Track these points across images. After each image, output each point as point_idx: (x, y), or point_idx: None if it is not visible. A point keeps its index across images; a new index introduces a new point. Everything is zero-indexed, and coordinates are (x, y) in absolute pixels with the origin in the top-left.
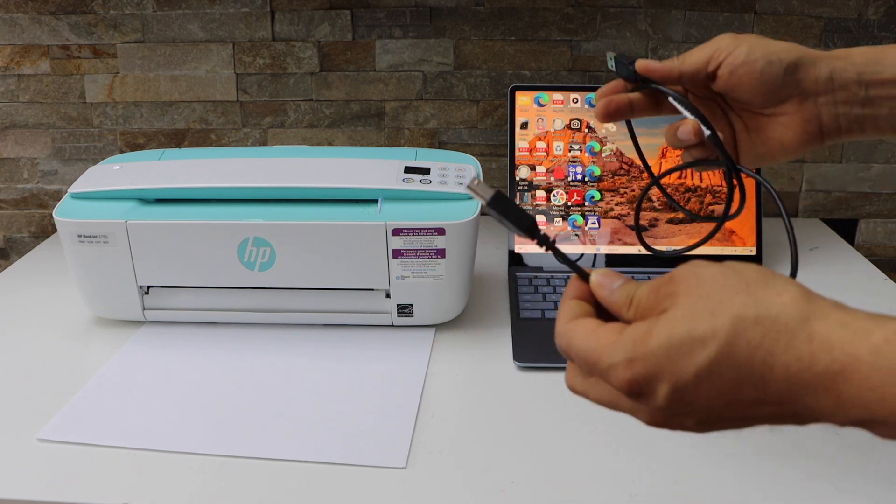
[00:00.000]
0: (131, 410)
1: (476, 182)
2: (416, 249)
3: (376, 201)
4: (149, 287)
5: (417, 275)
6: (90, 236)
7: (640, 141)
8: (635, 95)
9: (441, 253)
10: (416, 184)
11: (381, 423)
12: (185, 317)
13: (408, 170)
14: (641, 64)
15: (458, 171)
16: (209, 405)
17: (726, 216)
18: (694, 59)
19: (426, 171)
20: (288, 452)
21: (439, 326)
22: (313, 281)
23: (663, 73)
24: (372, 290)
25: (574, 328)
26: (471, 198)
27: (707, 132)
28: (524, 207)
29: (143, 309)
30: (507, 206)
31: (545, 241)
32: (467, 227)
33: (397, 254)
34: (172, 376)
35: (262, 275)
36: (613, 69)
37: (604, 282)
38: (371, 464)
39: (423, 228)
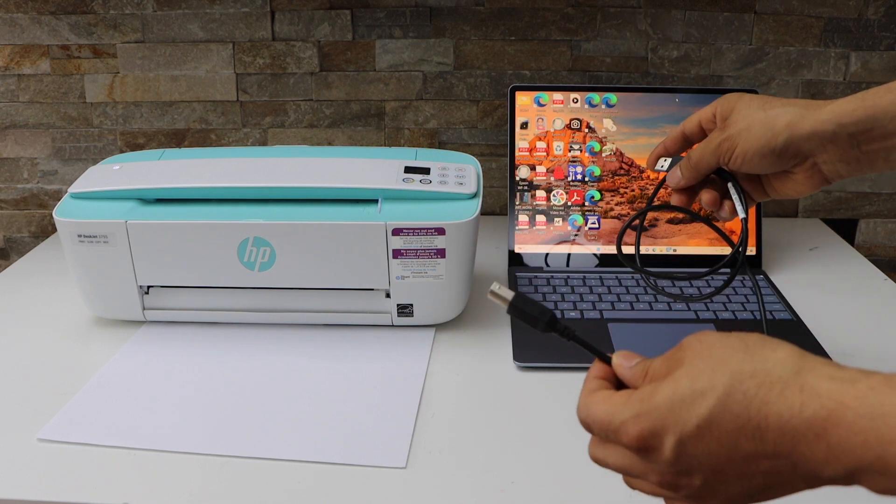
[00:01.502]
0: (131, 410)
1: (498, 287)
2: (416, 249)
3: (376, 201)
4: (149, 287)
5: (417, 275)
6: (90, 236)
7: (640, 141)
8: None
9: (441, 253)
10: (416, 184)
11: (381, 423)
12: (185, 317)
13: (408, 170)
14: (650, 167)
15: (458, 170)
16: (209, 405)
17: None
18: (697, 157)
19: (426, 171)
20: (288, 452)
21: (439, 326)
22: (313, 281)
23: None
24: (372, 290)
25: (592, 398)
26: (472, 197)
27: (741, 215)
28: (524, 207)
29: (143, 309)
30: (526, 305)
31: (567, 332)
32: (467, 227)
33: (397, 254)
34: (172, 376)
35: (262, 275)
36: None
37: (623, 361)
38: (371, 464)
39: (423, 228)
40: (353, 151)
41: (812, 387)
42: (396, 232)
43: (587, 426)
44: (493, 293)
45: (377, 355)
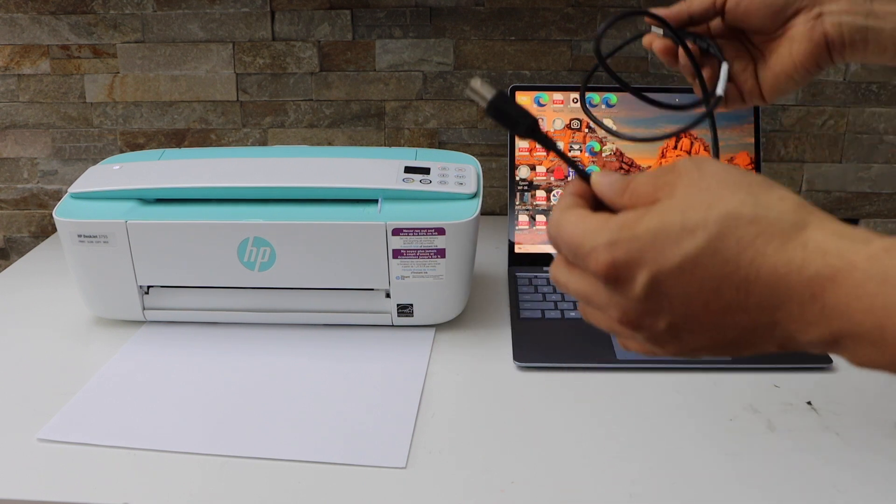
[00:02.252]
0: (131, 410)
1: (479, 84)
2: (416, 249)
3: (376, 201)
4: (149, 287)
5: (417, 275)
6: (90, 236)
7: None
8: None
9: (441, 253)
10: (416, 184)
11: (381, 423)
12: (185, 317)
13: (408, 170)
14: (651, 16)
15: (458, 171)
16: (209, 405)
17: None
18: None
19: (426, 171)
20: (288, 452)
21: (439, 326)
22: (313, 281)
23: (673, 16)
24: (372, 290)
25: (565, 215)
26: (472, 197)
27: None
28: (524, 207)
29: (143, 309)
30: (508, 107)
31: (548, 141)
32: (467, 227)
33: (397, 254)
34: (172, 376)
35: (262, 275)
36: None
37: (603, 176)
38: (371, 464)
39: (423, 228)
40: (353, 151)
41: (818, 243)
42: (396, 232)
43: (556, 244)
44: (472, 89)
45: (377, 355)
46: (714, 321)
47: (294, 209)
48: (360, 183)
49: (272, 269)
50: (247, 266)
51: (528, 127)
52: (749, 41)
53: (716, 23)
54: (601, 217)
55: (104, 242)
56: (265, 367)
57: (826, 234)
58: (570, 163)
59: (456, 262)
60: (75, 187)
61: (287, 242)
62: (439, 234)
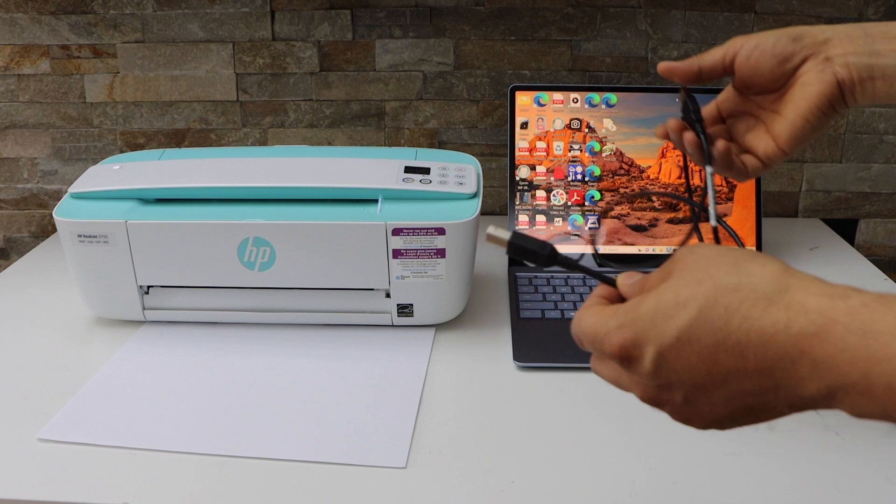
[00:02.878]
0: (131, 410)
1: (494, 229)
2: (416, 249)
3: (376, 201)
4: (149, 287)
5: (417, 275)
6: (90, 236)
7: (641, 141)
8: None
9: (441, 253)
10: (416, 184)
11: (381, 423)
12: (185, 317)
13: (408, 170)
14: (664, 66)
15: (458, 170)
16: (209, 405)
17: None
18: (710, 55)
19: (426, 170)
20: (288, 452)
21: (439, 326)
22: (313, 281)
23: (684, 69)
24: (372, 290)
25: (585, 311)
26: (472, 197)
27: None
28: (524, 207)
29: (143, 309)
30: (526, 242)
31: (570, 262)
32: (467, 227)
33: (397, 254)
34: (172, 376)
35: (262, 275)
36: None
37: (626, 278)
38: (371, 464)
39: (423, 228)
40: (353, 151)
41: (800, 303)
42: (396, 232)
43: (578, 339)
44: (491, 236)
45: (377, 355)
46: (722, 390)
47: (294, 209)
48: (360, 183)
49: (272, 269)
50: (247, 266)
51: (549, 255)
52: (758, 106)
53: (728, 96)
54: (613, 307)
55: (104, 242)
56: (265, 367)
57: (807, 294)
58: (598, 275)
59: (456, 262)
60: (75, 187)
61: (287, 242)
62: (439, 234)
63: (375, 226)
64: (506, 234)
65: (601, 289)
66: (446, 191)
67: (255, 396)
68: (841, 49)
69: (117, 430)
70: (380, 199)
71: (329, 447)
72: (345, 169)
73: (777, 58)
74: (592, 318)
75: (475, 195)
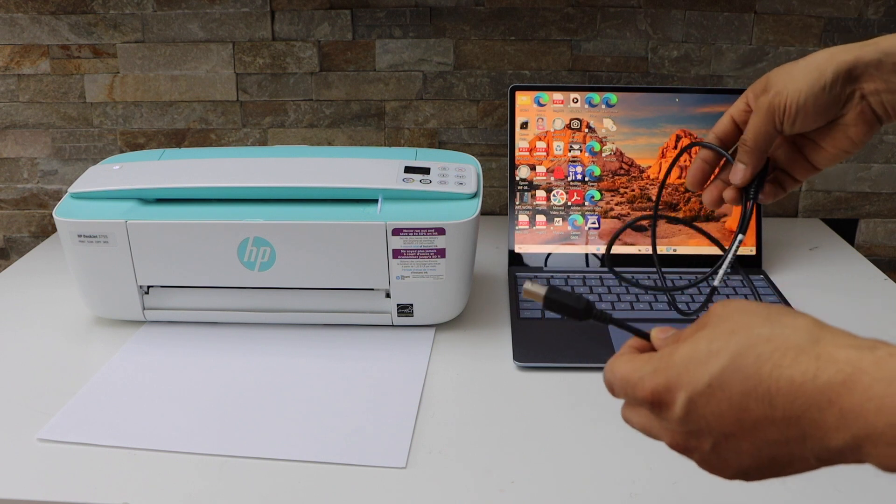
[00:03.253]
0: (131, 410)
1: (531, 284)
2: (416, 249)
3: (376, 201)
4: (149, 287)
5: (417, 275)
6: (90, 236)
7: (640, 141)
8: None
9: (441, 253)
10: (416, 184)
11: (381, 423)
12: (185, 317)
13: (408, 170)
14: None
15: (458, 170)
16: (209, 405)
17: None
18: (755, 132)
19: (426, 171)
20: (288, 452)
21: (439, 326)
22: (313, 281)
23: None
24: (372, 290)
25: (618, 359)
26: (472, 197)
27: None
28: (524, 207)
29: (143, 309)
30: (562, 296)
31: (605, 317)
32: (467, 227)
33: (397, 254)
34: (172, 376)
35: (262, 275)
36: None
37: (660, 332)
38: (371, 464)
39: (423, 228)
40: (353, 151)
41: (829, 354)
42: (396, 232)
43: (610, 386)
44: (528, 291)
45: (377, 355)
46: (750, 439)
47: (294, 209)
48: (360, 183)
49: (272, 269)
50: (247, 266)
51: (584, 310)
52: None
53: (746, 116)
54: (646, 355)
55: (104, 242)
56: (265, 366)
57: (836, 345)
58: (633, 330)
59: (456, 262)
60: (75, 187)
61: (287, 242)
62: (439, 234)
63: (375, 226)
64: (542, 289)
65: (634, 341)
66: (446, 191)
67: (255, 396)
68: (874, 86)
69: (117, 430)
70: (380, 199)
71: (329, 447)
72: (344, 169)
73: (817, 111)
74: (626, 365)
75: (475, 195)
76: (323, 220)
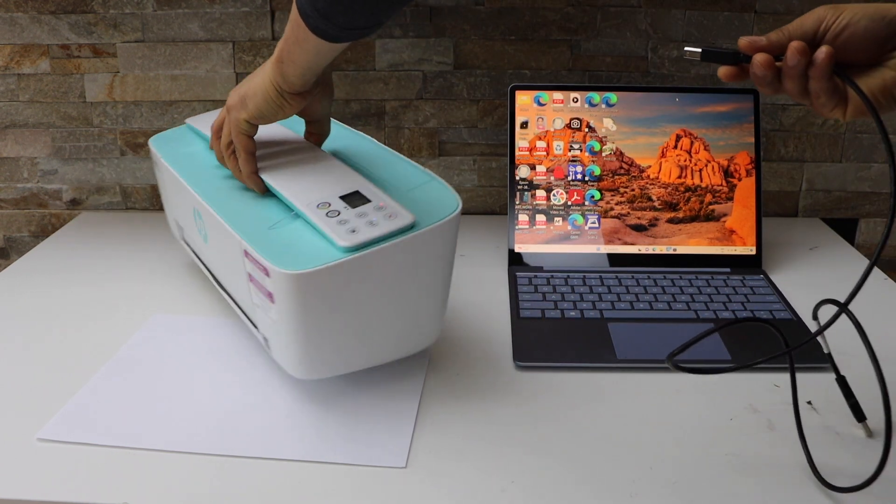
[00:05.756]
0: (131, 410)
1: (689, 47)
2: (255, 280)
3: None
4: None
5: (264, 307)
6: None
7: (640, 140)
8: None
9: (270, 297)
10: (320, 212)
11: (381, 423)
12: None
13: (344, 197)
14: (746, 41)
15: (390, 214)
16: (209, 405)
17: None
18: (801, 30)
19: (362, 201)
20: (288, 452)
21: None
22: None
23: (773, 46)
24: None
25: None
26: (348, 250)
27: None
28: (524, 207)
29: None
30: (717, 52)
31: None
32: (302, 281)
33: (250, 277)
34: (173, 376)
35: (207, 247)
36: (699, 58)
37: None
38: (371, 464)
39: (258, 262)
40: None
41: None
42: (246, 254)
43: None
44: (687, 51)
45: None
46: None
47: (232, 198)
48: (291, 197)
49: (209, 245)
50: (200, 233)
51: (739, 55)
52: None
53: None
54: None
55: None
56: (265, 366)
57: None
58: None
59: (286, 316)
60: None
61: (213, 230)
62: (265, 274)
63: (236, 239)
64: (698, 48)
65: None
66: (327, 232)
67: (255, 396)
68: None
69: (117, 429)
70: (287, 218)
71: (329, 447)
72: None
73: (868, 41)
74: None
75: (348, 249)
76: (220, 215)
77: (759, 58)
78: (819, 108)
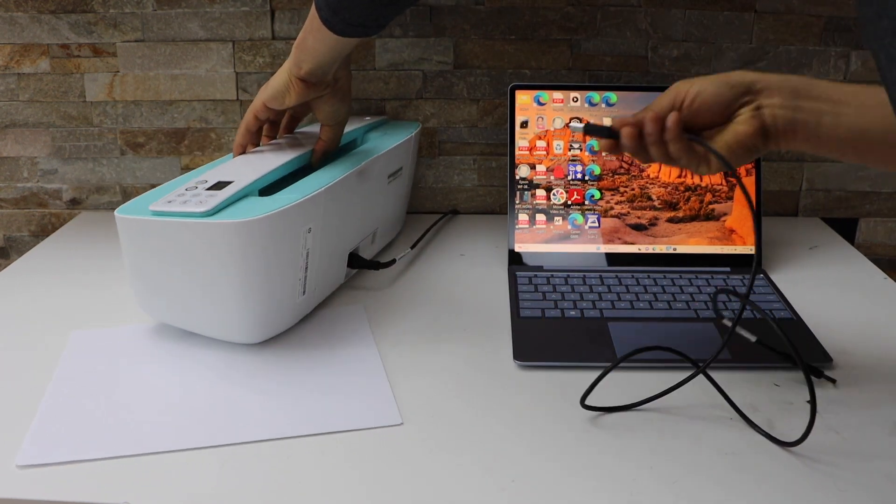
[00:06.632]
0: (131, 410)
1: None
2: None
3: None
4: None
5: None
6: None
7: None
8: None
9: None
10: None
11: (357, 388)
12: None
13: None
14: (617, 121)
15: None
16: (201, 398)
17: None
18: (659, 105)
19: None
20: (286, 430)
21: (441, 326)
22: None
23: (637, 122)
24: None
25: None
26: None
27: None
28: (524, 206)
29: None
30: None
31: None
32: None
33: None
34: (140, 376)
35: None
36: (582, 133)
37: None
38: (370, 426)
39: None
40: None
41: None
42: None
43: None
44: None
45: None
46: None
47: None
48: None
49: None
50: None
51: (612, 130)
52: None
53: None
54: None
55: None
56: (241, 352)
57: None
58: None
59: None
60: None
61: None
62: None
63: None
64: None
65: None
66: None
67: (239, 383)
68: (770, 101)
69: (117, 430)
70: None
71: (322, 419)
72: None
73: (717, 105)
74: None
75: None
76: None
77: (625, 131)
78: (687, 167)
